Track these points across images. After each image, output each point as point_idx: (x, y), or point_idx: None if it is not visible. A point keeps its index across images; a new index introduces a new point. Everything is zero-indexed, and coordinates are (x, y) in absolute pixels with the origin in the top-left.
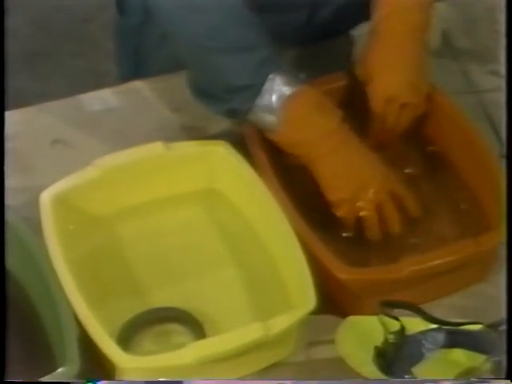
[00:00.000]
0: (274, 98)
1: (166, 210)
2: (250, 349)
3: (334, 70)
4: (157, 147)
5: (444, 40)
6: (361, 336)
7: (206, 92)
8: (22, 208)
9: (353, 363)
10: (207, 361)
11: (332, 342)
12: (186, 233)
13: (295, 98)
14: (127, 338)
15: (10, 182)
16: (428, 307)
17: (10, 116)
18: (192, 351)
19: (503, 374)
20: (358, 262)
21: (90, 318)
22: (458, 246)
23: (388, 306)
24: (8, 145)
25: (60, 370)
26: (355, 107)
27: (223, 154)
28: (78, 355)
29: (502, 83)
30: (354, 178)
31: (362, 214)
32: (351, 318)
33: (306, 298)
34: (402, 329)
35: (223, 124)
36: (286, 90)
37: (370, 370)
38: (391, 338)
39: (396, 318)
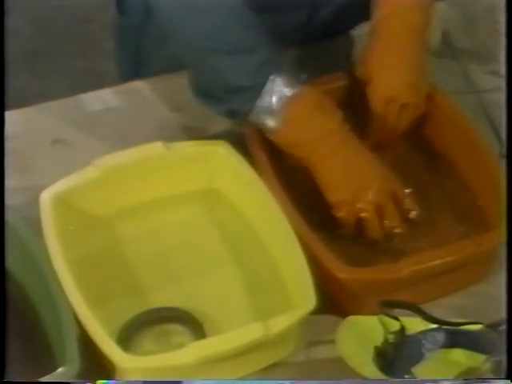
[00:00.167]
0: (274, 99)
1: (165, 210)
2: (249, 349)
3: (334, 70)
4: (157, 147)
5: (444, 40)
6: (361, 336)
7: (206, 92)
8: (22, 208)
9: (353, 363)
10: (207, 361)
11: (332, 341)
12: (186, 233)
13: (295, 98)
14: (127, 337)
15: (9, 182)
16: (428, 307)
17: (9, 116)
18: (192, 351)
19: (503, 374)
20: (358, 261)
21: (90, 318)
22: (458, 245)
23: (388, 306)
24: (8, 145)
25: (60, 369)
26: (355, 107)
27: (223, 154)
28: (77, 355)
29: (502, 83)
30: (354, 179)
31: (362, 215)
32: (351, 318)
33: (306, 298)
34: (402, 329)
35: (223, 124)
36: (287, 92)
37: (370, 370)
38: (391, 338)
39: (396, 318)
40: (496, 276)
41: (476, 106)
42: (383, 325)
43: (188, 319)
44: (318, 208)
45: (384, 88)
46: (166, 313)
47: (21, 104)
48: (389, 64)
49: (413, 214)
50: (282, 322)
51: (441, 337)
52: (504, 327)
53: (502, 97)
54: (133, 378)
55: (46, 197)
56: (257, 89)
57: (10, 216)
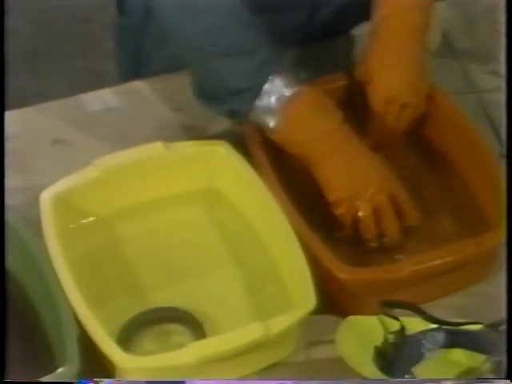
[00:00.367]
0: (273, 99)
1: (166, 210)
2: (249, 349)
3: (334, 70)
4: (157, 147)
5: (444, 40)
6: (361, 336)
7: (206, 93)
8: (22, 208)
9: (353, 363)
10: (207, 361)
11: (332, 341)
12: (186, 233)
13: (295, 98)
14: (127, 338)
15: (10, 182)
16: (428, 307)
17: (9, 116)
18: (192, 351)
19: (503, 374)
20: (358, 261)
21: (90, 318)
22: (458, 245)
23: (388, 306)
24: (8, 145)
25: (60, 369)
26: (355, 107)
27: (223, 154)
28: (77, 355)
29: (502, 83)
30: (354, 178)
31: (359, 214)
32: (351, 318)
33: (306, 298)
34: (402, 329)
35: (223, 124)
36: (286, 91)
37: (370, 370)
38: (391, 337)
39: (396, 318)
40: (496, 276)
41: (476, 105)
42: (383, 325)
43: (188, 319)
44: (318, 208)
45: (384, 88)
46: (166, 313)
47: (21, 104)
48: (389, 64)
49: (411, 221)
50: (282, 322)
51: (441, 337)
52: (504, 327)
53: (502, 97)
54: (133, 377)
55: (46, 197)
56: (256, 89)
57: (10, 216)
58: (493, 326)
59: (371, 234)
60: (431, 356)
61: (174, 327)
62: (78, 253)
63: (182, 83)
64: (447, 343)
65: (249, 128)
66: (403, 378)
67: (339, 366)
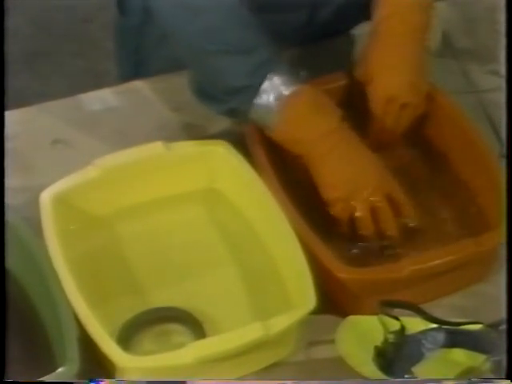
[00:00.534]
0: (272, 97)
1: (165, 210)
2: (249, 349)
3: (334, 70)
4: (157, 147)
5: (444, 40)
6: (361, 336)
7: (206, 92)
8: (22, 208)
9: (353, 363)
10: (207, 361)
11: (332, 341)
12: (186, 232)
13: (294, 97)
14: (127, 337)
15: (10, 182)
16: (428, 307)
17: (9, 116)
18: (192, 351)
19: (503, 373)
20: (357, 261)
21: (90, 318)
22: (458, 245)
23: (388, 306)
24: (8, 145)
25: (60, 369)
26: (355, 107)
27: (223, 154)
28: (77, 355)
29: (502, 83)
30: (352, 178)
31: (356, 214)
32: (351, 318)
33: (306, 297)
34: (402, 328)
35: (223, 123)
36: (285, 90)
37: (370, 369)
38: (391, 337)
39: (396, 318)
40: (496, 276)
41: (476, 105)
42: (383, 325)
43: (188, 319)
44: (318, 208)
45: (384, 88)
46: (166, 312)
47: (21, 104)
48: (389, 64)
49: (410, 223)
50: (282, 322)
51: (441, 336)
52: (504, 327)
53: (502, 97)
54: (133, 377)
55: (46, 197)
56: (255, 88)
57: (10, 216)
58: (493, 326)
59: (369, 233)
60: (431, 356)
61: (174, 327)
62: (77, 253)
63: (181, 83)
64: (447, 343)
65: (249, 128)
66: (403, 377)
67: (339, 366)
